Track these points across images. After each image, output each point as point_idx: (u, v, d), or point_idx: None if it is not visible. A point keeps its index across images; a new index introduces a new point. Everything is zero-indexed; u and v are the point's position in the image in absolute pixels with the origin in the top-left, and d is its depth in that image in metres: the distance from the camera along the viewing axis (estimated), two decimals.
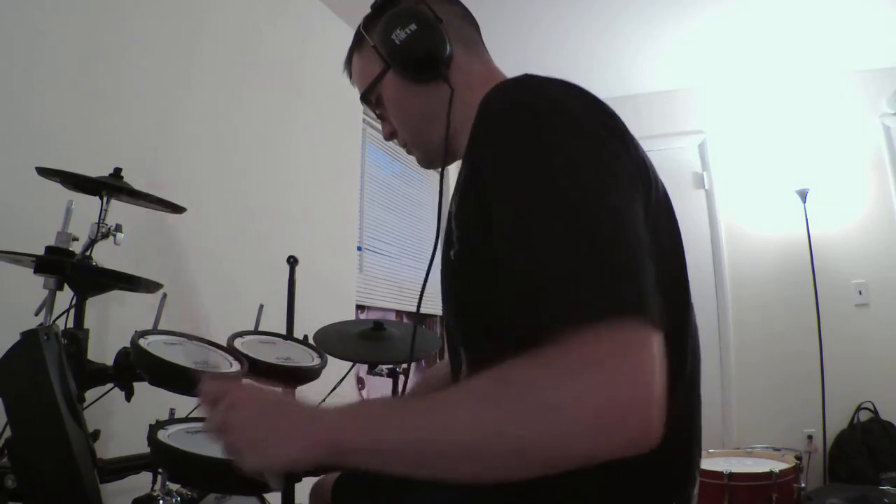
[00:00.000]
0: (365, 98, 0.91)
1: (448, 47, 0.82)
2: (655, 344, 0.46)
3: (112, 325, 1.59)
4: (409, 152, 0.92)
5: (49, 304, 1.11)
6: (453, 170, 0.81)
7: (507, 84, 0.65)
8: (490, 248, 0.56)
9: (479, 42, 0.90)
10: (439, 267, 0.74)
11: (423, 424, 0.50)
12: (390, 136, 0.92)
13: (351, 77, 0.95)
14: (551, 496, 0.59)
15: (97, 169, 1.26)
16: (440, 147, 0.85)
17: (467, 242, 0.67)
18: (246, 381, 0.69)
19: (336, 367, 1.51)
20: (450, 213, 0.74)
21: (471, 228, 0.65)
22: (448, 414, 0.50)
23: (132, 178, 1.29)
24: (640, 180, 0.62)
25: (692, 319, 0.72)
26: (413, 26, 0.81)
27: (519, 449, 0.46)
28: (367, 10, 0.91)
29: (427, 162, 0.91)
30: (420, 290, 0.89)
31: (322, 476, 1.06)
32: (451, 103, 0.81)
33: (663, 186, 0.70)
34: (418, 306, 0.92)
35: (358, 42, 0.91)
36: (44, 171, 1.18)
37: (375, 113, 0.92)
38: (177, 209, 1.34)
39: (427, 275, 0.86)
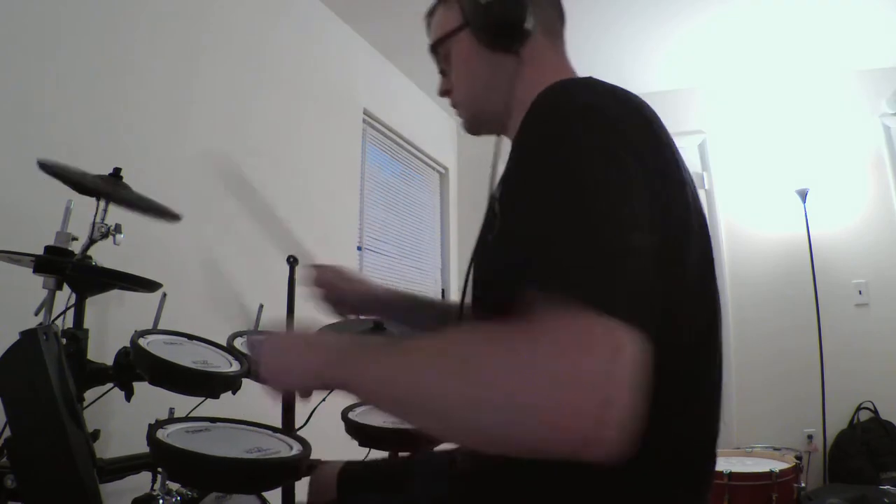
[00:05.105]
0: (434, 49, 0.91)
1: (530, 24, 0.81)
2: (631, 346, 0.45)
3: (112, 324, 1.59)
4: (458, 114, 0.92)
5: (48, 303, 1.11)
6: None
7: (560, 86, 0.66)
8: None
9: (560, 34, 0.89)
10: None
11: (396, 375, 0.55)
12: (445, 93, 0.92)
13: (429, 27, 0.94)
14: (555, 492, 0.60)
15: (98, 169, 1.26)
16: (491, 117, 0.85)
17: (503, 234, 0.69)
18: None
19: None
20: (493, 196, 0.74)
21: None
22: (418, 371, 0.53)
23: (132, 179, 1.29)
24: (665, 187, 0.62)
25: (719, 326, 0.70)
26: None
27: (466, 420, 0.49)
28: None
29: (473, 127, 0.92)
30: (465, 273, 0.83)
31: (321, 469, 1.06)
32: (516, 79, 0.81)
33: (694, 189, 0.69)
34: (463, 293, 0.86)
35: None
36: (45, 166, 1.18)
37: (439, 67, 0.92)
38: (171, 217, 1.33)
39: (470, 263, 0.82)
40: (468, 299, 0.76)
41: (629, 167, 0.57)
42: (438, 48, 0.89)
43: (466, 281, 0.79)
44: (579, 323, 0.45)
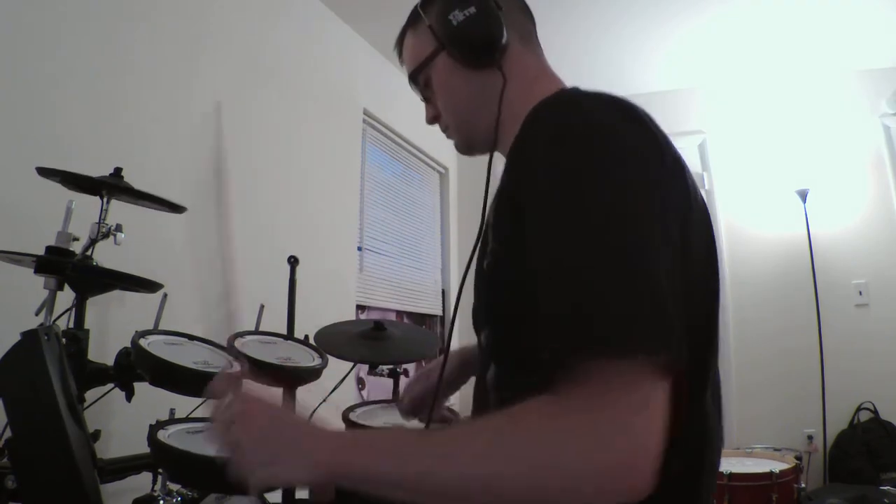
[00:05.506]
0: (413, 78, 0.88)
1: (505, 35, 0.80)
2: (665, 393, 0.49)
3: (112, 325, 1.59)
4: (448, 136, 0.91)
5: (49, 304, 1.11)
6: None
7: (558, 101, 0.64)
8: (522, 268, 0.58)
9: (534, 37, 0.88)
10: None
11: (425, 464, 0.53)
12: (433, 119, 0.91)
13: (401, 56, 0.92)
14: None
15: (98, 169, 1.26)
16: (485, 135, 0.84)
17: (502, 256, 0.67)
18: (249, 384, 0.68)
19: (336, 368, 1.51)
20: (487, 222, 0.73)
21: (506, 244, 0.66)
22: (451, 459, 0.53)
23: (133, 179, 1.29)
24: (680, 210, 0.61)
25: (717, 322, 0.69)
26: (472, 9, 0.79)
27: (519, 498, 0.50)
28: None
29: (467, 148, 0.90)
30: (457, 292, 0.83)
31: None
32: (503, 93, 0.80)
33: (703, 201, 0.68)
34: (454, 314, 0.86)
35: (413, 21, 0.89)
36: (44, 171, 1.18)
37: (421, 95, 0.90)
38: (176, 209, 1.34)
39: (464, 277, 0.79)
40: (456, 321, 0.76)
41: (646, 192, 0.56)
42: (417, 77, 0.87)
43: (456, 308, 0.80)
44: (627, 382, 0.48)
